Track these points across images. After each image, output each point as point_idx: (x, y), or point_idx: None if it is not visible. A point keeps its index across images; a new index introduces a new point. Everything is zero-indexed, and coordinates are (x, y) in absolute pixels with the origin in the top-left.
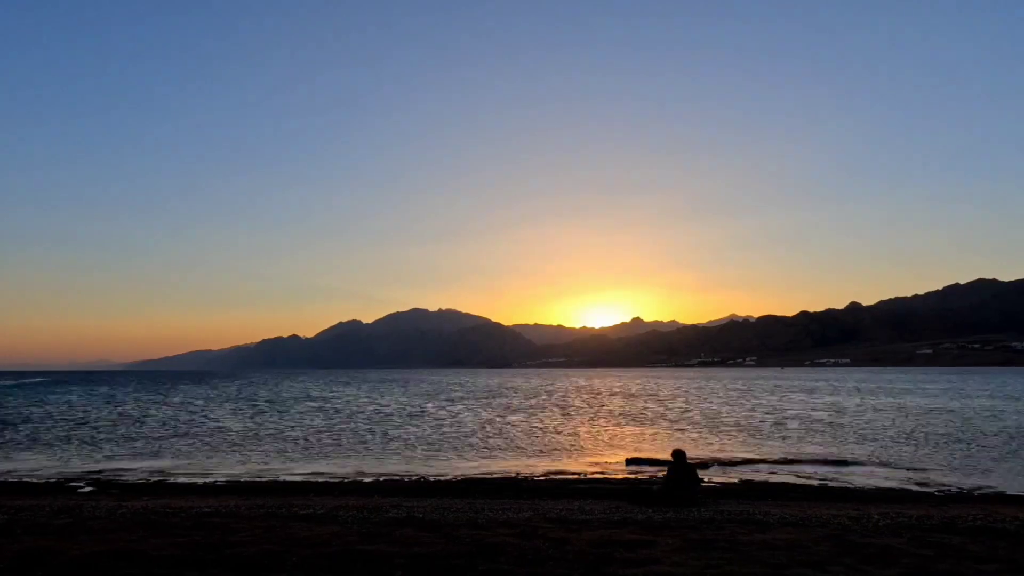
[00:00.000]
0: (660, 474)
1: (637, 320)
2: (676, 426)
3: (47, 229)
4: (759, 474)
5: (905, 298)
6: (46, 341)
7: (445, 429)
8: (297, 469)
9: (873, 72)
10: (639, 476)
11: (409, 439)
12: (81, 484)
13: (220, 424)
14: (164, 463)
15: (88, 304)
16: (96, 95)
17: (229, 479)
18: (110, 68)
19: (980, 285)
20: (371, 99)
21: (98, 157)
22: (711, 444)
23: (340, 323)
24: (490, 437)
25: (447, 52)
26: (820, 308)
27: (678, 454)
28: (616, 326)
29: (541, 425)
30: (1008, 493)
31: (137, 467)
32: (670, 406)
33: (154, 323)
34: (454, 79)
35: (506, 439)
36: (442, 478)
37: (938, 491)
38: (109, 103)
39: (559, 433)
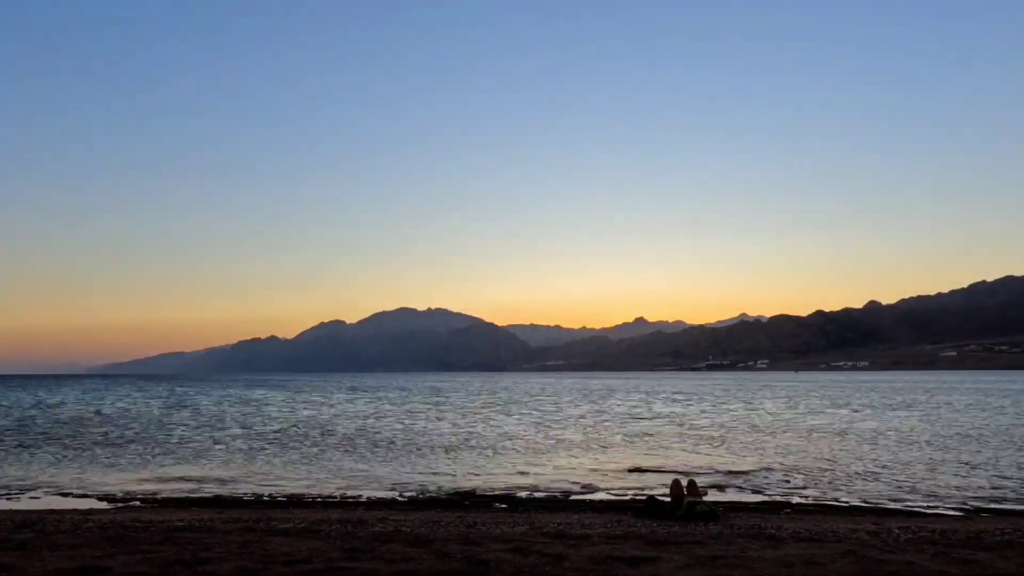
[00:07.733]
0: (663, 486)
1: (640, 320)
2: (681, 434)
3: (4, 221)
4: (772, 487)
5: (928, 297)
6: (3, 342)
7: None
8: None
9: (894, 60)
10: (642, 487)
11: None
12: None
13: None
14: None
15: (50, 303)
16: (65, 89)
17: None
18: (85, 60)
19: (1009, 283)
20: (356, 92)
21: (62, 147)
22: (718, 455)
23: (322, 323)
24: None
25: (443, 47)
26: (837, 307)
27: (675, 483)
28: (618, 326)
29: (538, 432)
30: None
31: None
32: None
33: (123, 323)
34: (446, 71)
35: (495, 446)
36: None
37: (962, 503)
38: (79, 96)
39: (557, 440)
